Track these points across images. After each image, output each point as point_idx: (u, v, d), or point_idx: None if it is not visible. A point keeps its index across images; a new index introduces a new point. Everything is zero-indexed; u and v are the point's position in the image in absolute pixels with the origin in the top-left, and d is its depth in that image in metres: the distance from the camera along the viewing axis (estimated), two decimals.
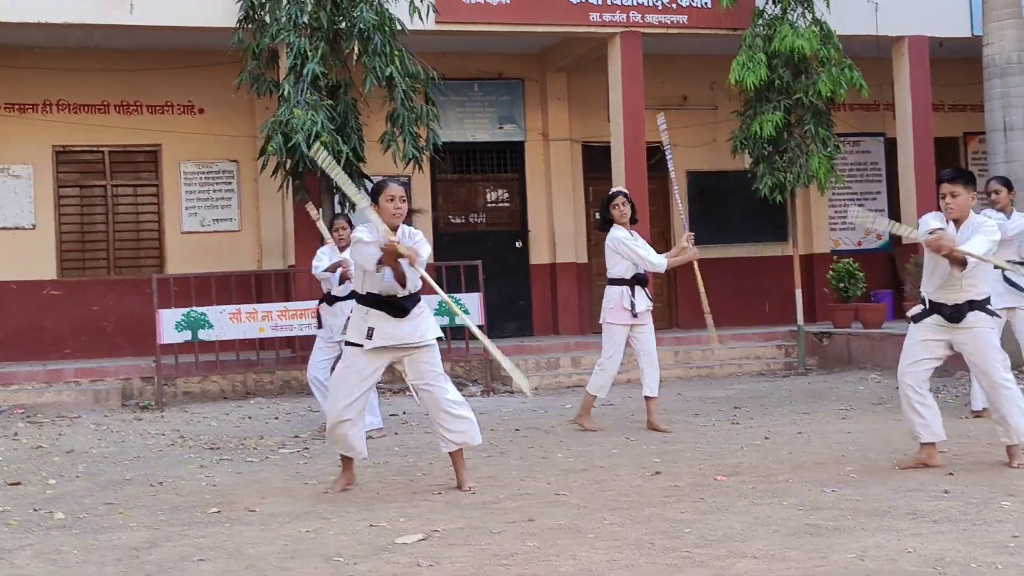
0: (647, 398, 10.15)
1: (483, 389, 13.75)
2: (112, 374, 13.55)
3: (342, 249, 10.20)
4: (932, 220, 7.46)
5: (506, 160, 17.55)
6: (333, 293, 10.46)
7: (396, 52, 13.27)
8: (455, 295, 14.02)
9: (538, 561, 5.33)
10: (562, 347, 15.21)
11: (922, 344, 7.58)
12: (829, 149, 14.74)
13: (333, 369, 10.18)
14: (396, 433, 10.35)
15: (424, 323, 7.32)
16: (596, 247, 17.79)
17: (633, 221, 10.37)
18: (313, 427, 10.74)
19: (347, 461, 7.56)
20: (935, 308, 7.51)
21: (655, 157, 17.22)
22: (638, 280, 10.24)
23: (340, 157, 13.00)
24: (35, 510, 7.12)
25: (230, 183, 16.20)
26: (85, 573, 5.41)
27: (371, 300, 7.24)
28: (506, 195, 17.64)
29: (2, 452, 9.96)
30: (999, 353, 7.53)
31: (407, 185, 16.55)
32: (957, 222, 7.43)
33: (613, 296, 10.19)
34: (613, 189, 10.76)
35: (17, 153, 15.48)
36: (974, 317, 7.44)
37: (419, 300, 7.32)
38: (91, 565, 5.57)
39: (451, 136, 16.22)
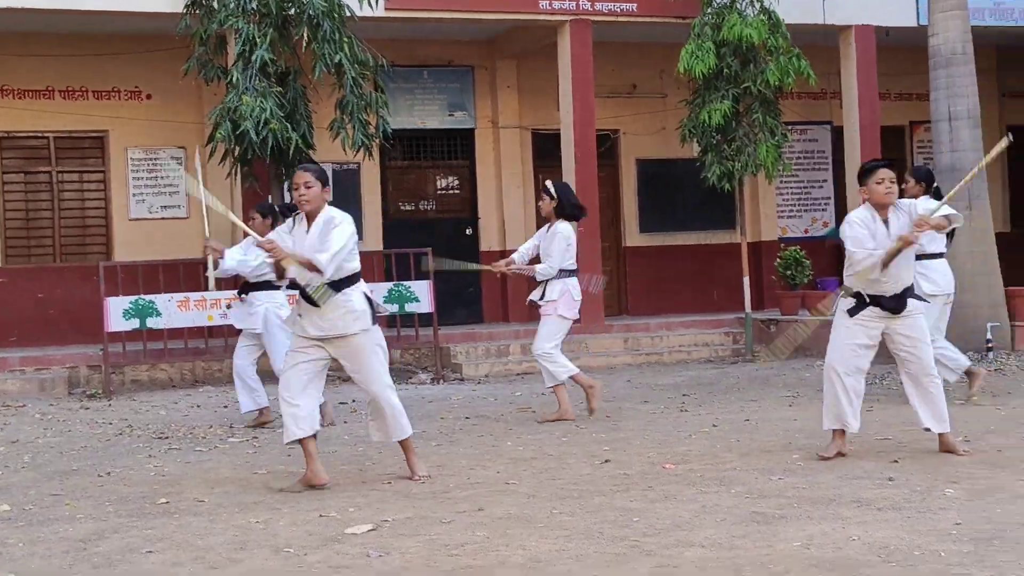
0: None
1: (433, 376, 13.75)
2: (58, 362, 13.43)
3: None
4: (859, 223, 7.50)
5: (456, 147, 17.54)
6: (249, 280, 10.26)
7: (345, 39, 13.21)
8: (404, 282, 14.01)
9: (488, 551, 5.35)
10: (512, 334, 15.24)
11: (860, 335, 7.59)
12: (777, 138, 14.84)
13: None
14: (345, 422, 10.33)
15: (348, 315, 7.10)
16: None
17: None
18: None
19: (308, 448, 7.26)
20: (874, 301, 7.52)
21: (605, 144, 17.30)
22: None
23: (290, 144, 12.95)
24: None
25: (177, 170, 16.06)
26: (31, 566, 5.37)
27: (300, 290, 7.23)
28: (456, 182, 17.63)
29: None
30: (924, 335, 7.64)
31: (350, 171, 16.53)
32: (883, 209, 7.49)
33: (572, 287, 10.13)
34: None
35: None
36: (912, 304, 7.55)
37: (343, 290, 7.07)
38: (37, 558, 5.53)
39: (401, 123, 16.18)
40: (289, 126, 13.04)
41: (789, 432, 8.74)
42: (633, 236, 18.02)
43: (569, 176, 15.45)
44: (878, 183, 7.46)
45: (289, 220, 7.37)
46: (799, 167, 18.38)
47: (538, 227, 17.54)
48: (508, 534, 5.68)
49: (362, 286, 7.25)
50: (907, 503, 6.11)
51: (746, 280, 15.50)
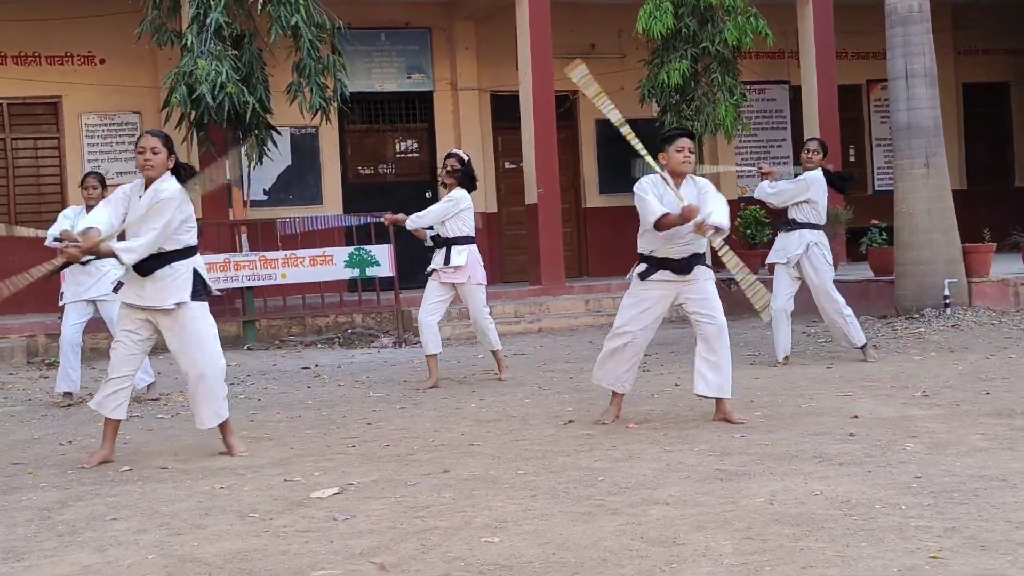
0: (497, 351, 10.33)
1: (395, 340, 13.74)
2: (16, 331, 13.32)
3: (89, 209, 9.20)
4: (648, 189, 7.47)
5: (415, 110, 17.47)
6: None
7: (301, 1, 13.11)
8: (365, 247, 13.97)
9: (454, 512, 5.36)
10: None
11: (647, 295, 7.62)
12: (736, 97, 14.87)
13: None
14: (308, 387, 10.32)
15: (168, 287, 6.88)
16: (505, 196, 17.83)
17: None
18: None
19: (110, 429, 7.12)
20: (662, 263, 7.55)
21: (564, 106, 17.27)
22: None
23: (246, 108, 12.86)
24: None
25: (133, 135, 15.90)
26: None
27: None
28: (415, 145, 17.58)
29: None
30: (718, 300, 7.68)
31: (308, 135, 16.43)
32: (678, 177, 7.50)
33: (476, 253, 10.22)
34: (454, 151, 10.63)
35: None
36: (699, 270, 7.58)
37: (170, 263, 6.86)
38: (1, 527, 5.50)
39: (359, 86, 16.10)
40: (245, 90, 12.95)
41: (751, 390, 8.80)
42: (593, 197, 18.04)
43: (528, 137, 15.43)
44: (678, 151, 7.48)
45: (137, 182, 7.03)
46: (758, 127, 18.44)
47: (498, 188, 17.62)
48: (474, 495, 5.70)
49: (195, 261, 6.99)
50: (868, 458, 6.17)
51: (705, 240, 15.52)
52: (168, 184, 6.86)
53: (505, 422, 7.93)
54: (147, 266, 6.87)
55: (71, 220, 9.50)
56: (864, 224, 14.69)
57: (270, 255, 13.71)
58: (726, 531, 4.82)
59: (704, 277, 7.63)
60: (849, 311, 10.31)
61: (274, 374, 11.29)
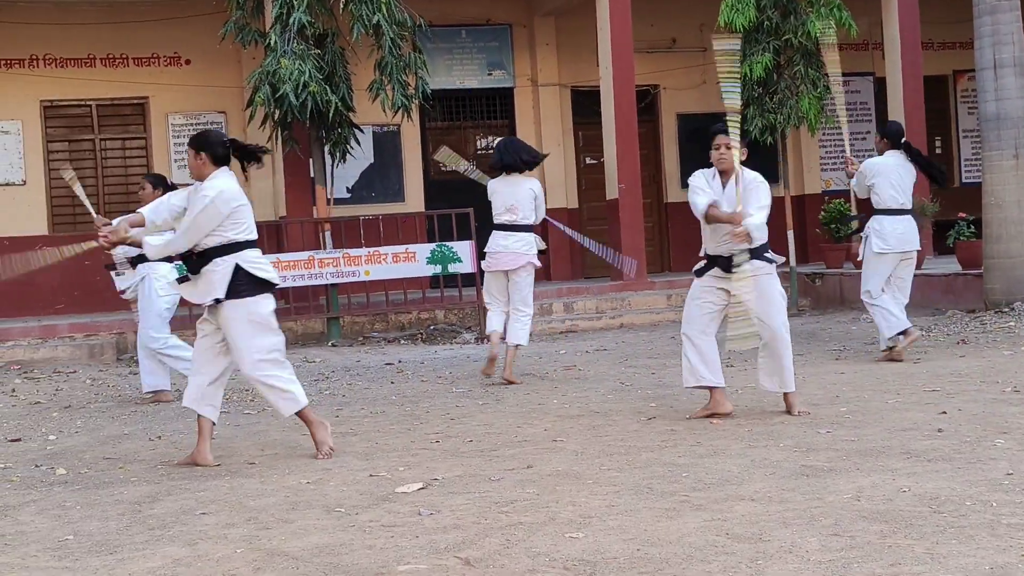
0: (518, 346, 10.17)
1: (477, 336, 13.79)
2: (105, 329, 13.57)
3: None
4: (699, 180, 7.55)
5: (495, 106, 17.52)
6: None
7: None
8: (447, 243, 14.03)
9: (538, 507, 5.37)
10: (555, 293, 15.25)
11: (702, 292, 7.66)
12: (819, 90, 14.69)
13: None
14: (392, 383, 10.39)
15: (209, 283, 6.89)
16: (586, 192, 17.81)
17: None
18: (308, 378, 10.79)
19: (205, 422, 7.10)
20: (713, 261, 7.60)
21: (645, 100, 17.22)
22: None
23: (329, 107, 12.97)
24: (36, 466, 7.16)
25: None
26: (89, 529, 5.44)
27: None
28: (496, 142, 17.60)
29: (1, 408, 10.00)
30: (782, 300, 7.70)
31: (390, 133, 16.52)
32: (724, 174, 7.54)
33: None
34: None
35: (5, 109, 15.44)
36: (751, 266, 7.45)
37: (212, 258, 6.88)
38: (95, 520, 5.61)
39: (440, 83, 16.18)
40: (328, 88, 13.06)
41: (836, 385, 8.71)
42: (675, 192, 17.95)
43: (609, 133, 15.39)
44: (715, 149, 7.53)
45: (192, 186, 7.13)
46: None
47: (580, 184, 17.61)
48: (558, 491, 5.70)
49: (241, 256, 6.90)
50: (957, 454, 6.08)
51: (790, 234, 15.39)
52: (211, 182, 6.89)
53: (588, 418, 7.92)
54: (195, 263, 6.95)
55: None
56: (951, 217, 14.47)
57: (354, 252, 13.82)
58: (812, 528, 4.78)
59: (760, 273, 7.52)
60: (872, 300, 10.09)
61: (358, 370, 11.38)
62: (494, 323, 10.14)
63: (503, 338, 10.06)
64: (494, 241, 10.10)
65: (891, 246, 10.02)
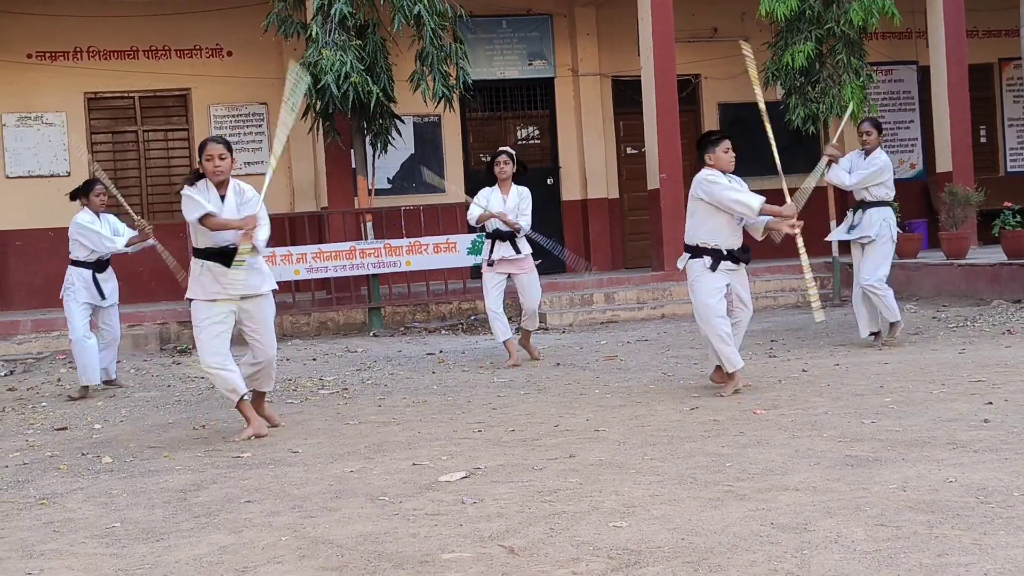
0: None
1: (517, 327, 13.75)
2: (149, 319, 13.67)
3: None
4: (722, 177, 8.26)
5: (536, 97, 17.50)
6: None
7: None
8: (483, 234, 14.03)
9: (581, 497, 5.37)
10: (595, 283, 15.22)
11: (719, 281, 8.20)
12: (862, 79, 14.58)
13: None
14: (433, 372, 10.42)
15: (255, 276, 7.47)
16: (627, 182, 17.77)
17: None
18: (350, 368, 10.83)
19: (245, 405, 7.57)
20: (721, 254, 8.17)
21: (686, 90, 17.15)
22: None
23: (371, 97, 13.00)
24: (83, 454, 7.23)
25: (260, 126, 16.22)
26: (135, 516, 5.49)
27: (204, 253, 7.44)
28: (536, 132, 17.61)
29: (47, 398, 10.11)
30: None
31: (431, 123, 16.54)
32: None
33: None
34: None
35: (50, 101, 15.56)
36: (746, 257, 8.32)
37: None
38: (141, 508, 5.66)
39: (480, 74, 16.18)
40: (369, 79, 13.09)
41: (880, 376, 8.65)
42: None
43: (650, 122, 15.34)
44: (725, 152, 8.21)
45: (200, 184, 7.42)
46: (885, 108, 18.09)
47: (620, 174, 17.54)
48: (601, 480, 5.70)
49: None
50: (1004, 445, 6.02)
51: (833, 224, 15.28)
52: (244, 184, 7.64)
53: (630, 408, 7.91)
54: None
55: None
56: (996, 206, 14.32)
57: (395, 243, 13.86)
58: (858, 518, 4.75)
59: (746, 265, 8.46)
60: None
61: (399, 360, 11.41)
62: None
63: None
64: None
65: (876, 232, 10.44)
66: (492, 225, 10.61)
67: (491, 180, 10.71)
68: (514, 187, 10.63)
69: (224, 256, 7.33)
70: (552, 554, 4.49)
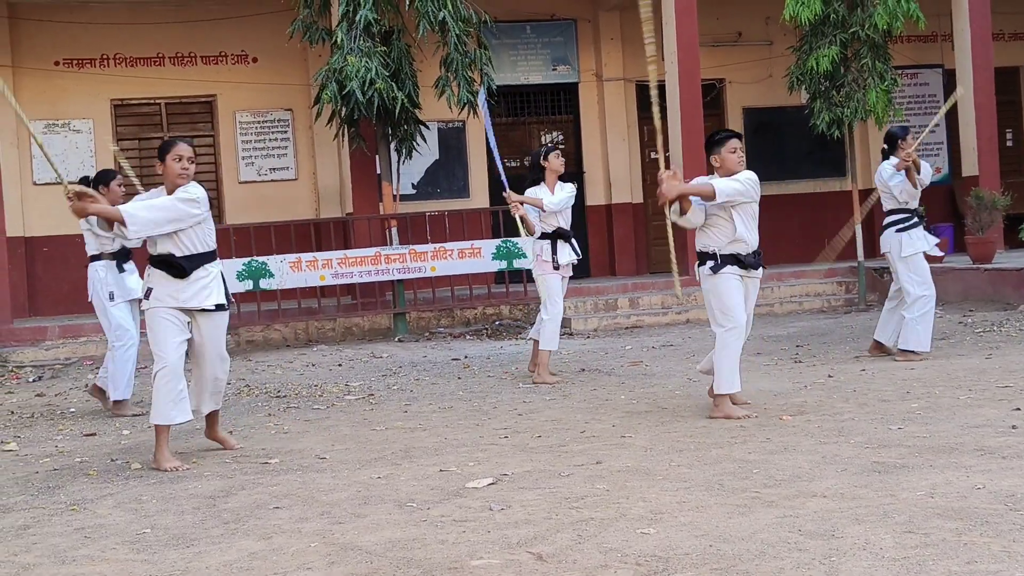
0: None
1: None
2: None
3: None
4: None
5: (560, 102, 17.52)
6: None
7: None
8: (512, 239, 14.04)
9: (608, 503, 5.38)
10: (620, 288, 15.23)
11: (739, 284, 7.78)
12: (887, 82, 14.54)
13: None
14: (459, 378, 10.43)
15: (202, 290, 7.10)
16: (651, 187, 17.73)
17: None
18: (376, 373, 10.86)
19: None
20: (730, 259, 7.71)
21: (711, 94, 17.14)
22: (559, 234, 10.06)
23: (396, 104, 13.03)
24: (112, 460, 7.28)
25: (285, 132, 16.29)
26: (165, 522, 5.52)
27: (153, 261, 7.21)
28: (561, 137, 17.61)
29: (75, 403, 10.17)
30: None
31: (456, 129, 16.58)
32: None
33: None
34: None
35: (76, 108, 15.65)
36: (758, 261, 7.85)
37: (201, 264, 7.12)
38: (170, 514, 5.69)
39: (505, 79, 16.21)
40: (395, 85, 13.13)
41: (907, 381, 8.63)
42: None
43: (675, 127, 15.33)
44: (732, 152, 7.88)
45: (154, 190, 7.38)
46: (910, 112, 18.02)
47: (645, 179, 17.53)
48: (628, 486, 5.70)
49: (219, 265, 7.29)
50: None
51: (859, 228, 15.25)
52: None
53: (656, 414, 7.91)
54: (182, 267, 7.11)
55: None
56: (1022, 210, 14.27)
57: (420, 248, 13.89)
58: (886, 524, 4.75)
59: (761, 270, 7.97)
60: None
61: (425, 365, 11.44)
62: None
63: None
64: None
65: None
66: (543, 226, 10.03)
67: (535, 177, 10.16)
68: (558, 183, 10.11)
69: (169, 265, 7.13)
70: (580, 561, 4.50)
